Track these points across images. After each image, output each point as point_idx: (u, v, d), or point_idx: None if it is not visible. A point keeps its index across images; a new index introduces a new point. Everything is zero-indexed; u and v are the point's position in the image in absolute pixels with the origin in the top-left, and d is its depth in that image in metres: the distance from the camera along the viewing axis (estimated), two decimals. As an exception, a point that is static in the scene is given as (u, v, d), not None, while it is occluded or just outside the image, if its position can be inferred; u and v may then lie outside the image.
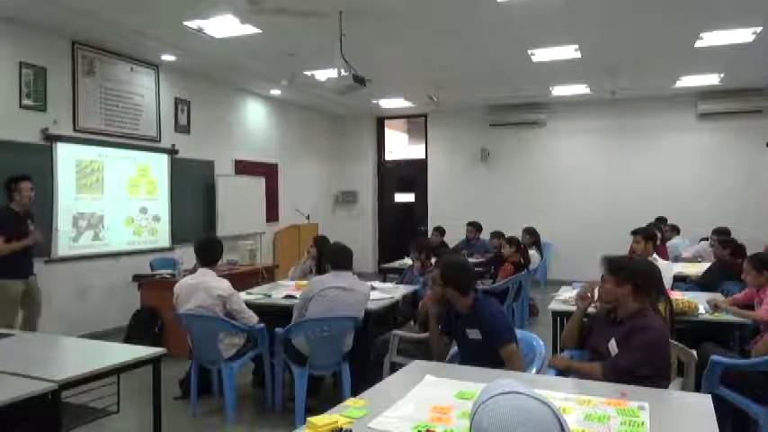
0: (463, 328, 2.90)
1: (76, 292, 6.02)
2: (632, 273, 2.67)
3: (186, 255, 6.29)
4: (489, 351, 2.74)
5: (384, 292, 4.63)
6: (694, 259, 6.75)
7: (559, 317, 3.90)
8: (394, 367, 3.52)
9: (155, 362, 2.80)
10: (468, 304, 2.88)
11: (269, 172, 9.20)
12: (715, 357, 2.87)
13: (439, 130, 10.93)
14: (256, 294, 4.62)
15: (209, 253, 4.08)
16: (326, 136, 11.14)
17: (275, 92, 8.90)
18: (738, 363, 3.04)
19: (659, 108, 9.31)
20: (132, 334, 5.45)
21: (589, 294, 2.99)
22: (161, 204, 7.17)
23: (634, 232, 4.83)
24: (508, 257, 6.19)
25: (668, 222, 7.88)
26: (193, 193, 7.65)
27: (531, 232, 7.54)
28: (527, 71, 7.56)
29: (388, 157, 11.79)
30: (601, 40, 6.30)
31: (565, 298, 4.14)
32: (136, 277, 5.87)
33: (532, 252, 7.02)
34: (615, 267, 2.73)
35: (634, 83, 8.31)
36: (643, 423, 1.84)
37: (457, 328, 2.97)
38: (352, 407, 2.00)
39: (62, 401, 2.36)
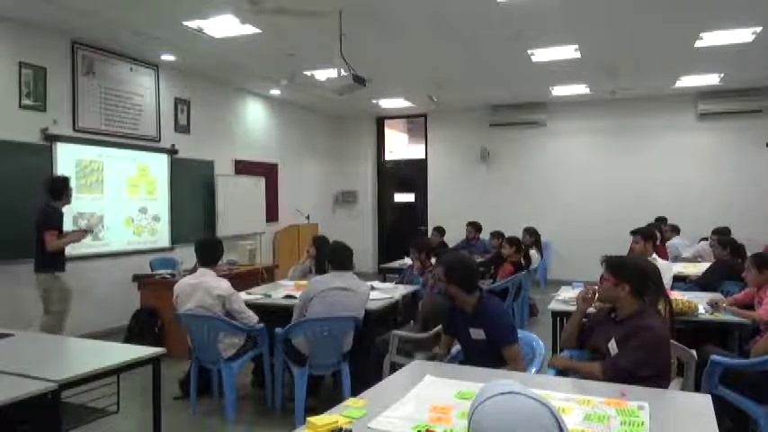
0: (466, 327, 2.89)
1: (76, 292, 5.93)
2: (630, 272, 2.67)
3: (186, 255, 6.28)
4: (492, 351, 2.74)
5: (384, 292, 4.63)
6: (694, 259, 6.74)
7: (559, 317, 3.90)
8: (394, 367, 3.52)
9: (155, 362, 2.79)
10: (473, 303, 2.88)
11: (269, 172, 9.20)
12: (715, 357, 2.87)
13: (439, 130, 10.93)
14: (256, 294, 4.62)
15: (209, 253, 4.08)
16: (326, 136, 11.14)
17: (275, 92, 8.90)
18: (738, 363, 3.04)
19: (659, 108, 9.31)
20: (132, 334, 5.44)
21: (590, 295, 2.99)
22: (161, 204, 7.17)
23: (633, 232, 4.83)
24: (508, 257, 6.19)
25: (668, 222, 7.88)
26: (193, 193, 7.65)
27: (531, 232, 7.54)
28: (527, 71, 7.55)
29: (388, 157, 11.79)
30: (601, 40, 6.30)
31: (565, 298, 4.14)
32: (136, 277, 5.86)
33: (532, 252, 7.02)
34: (613, 267, 2.72)
35: (634, 83, 8.32)
36: (643, 423, 1.84)
37: (460, 328, 2.96)
38: (352, 407, 2.00)
39: (62, 401, 2.36)
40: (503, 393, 1.00)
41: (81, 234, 5.21)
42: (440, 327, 3.25)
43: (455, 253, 3.64)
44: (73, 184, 5.96)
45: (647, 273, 2.85)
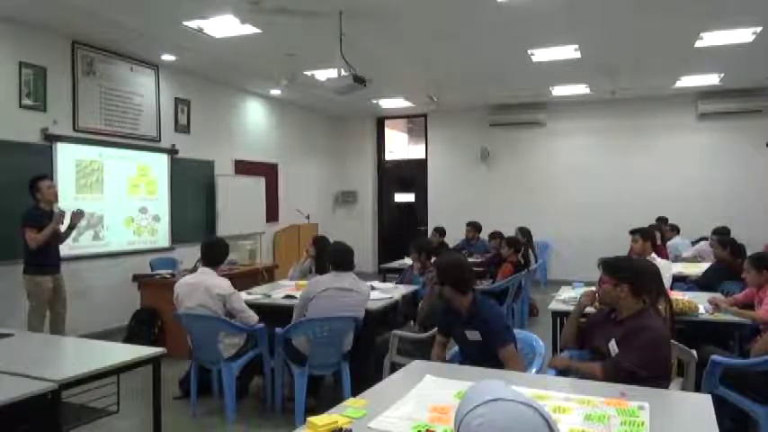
0: (462, 329, 2.89)
1: (76, 292, 5.99)
2: (628, 273, 2.67)
3: (186, 255, 6.30)
4: (489, 352, 2.74)
5: (384, 292, 4.63)
6: (694, 259, 6.74)
7: (559, 317, 3.90)
8: (394, 367, 3.52)
9: (155, 362, 2.80)
10: (467, 304, 2.88)
11: (269, 172, 9.20)
12: (715, 357, 2.87)
13: (439, 130, 10.93)
14: (256, 294, 4.62)
15: (216, 254, 4.07)
16: (326, 136, 11.14)
17: (275, 92, 8.89)
18: (738, 363, 3.04)
19: (659, 108, 9.31)
20: (132, 334, 5.44)
21: (590, 297, 3.00)
22: (161, 204, 7.17)
23: (632, 231, 4.85)
24: (507, 257, 6.19)
25: (668, 222, 7.88)
26: (193, 193, 7.65)
27: (524, 232, 7.49)
28: (527, 71, 7.55)
29: (388, 157, 11.79)
30: (601, 40, 6.29)
31: (565, 298, 4.14)
32: (136, 277, 5.86)
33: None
34: (611, 269, 2.73)
35: (634, 83, 8.31)
36: (643, 423, 1.84)
37: (456, 329, 2.96)
38: (352, 407, 2.00)
39: (62, 401, 2.36)
40: (488, 401, 0.98)
41: (58, 218, 4.88)
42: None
43: (449, 254, 3.63)
44: (73, 183, 6.02)
45: (645, 272, 2.86)
